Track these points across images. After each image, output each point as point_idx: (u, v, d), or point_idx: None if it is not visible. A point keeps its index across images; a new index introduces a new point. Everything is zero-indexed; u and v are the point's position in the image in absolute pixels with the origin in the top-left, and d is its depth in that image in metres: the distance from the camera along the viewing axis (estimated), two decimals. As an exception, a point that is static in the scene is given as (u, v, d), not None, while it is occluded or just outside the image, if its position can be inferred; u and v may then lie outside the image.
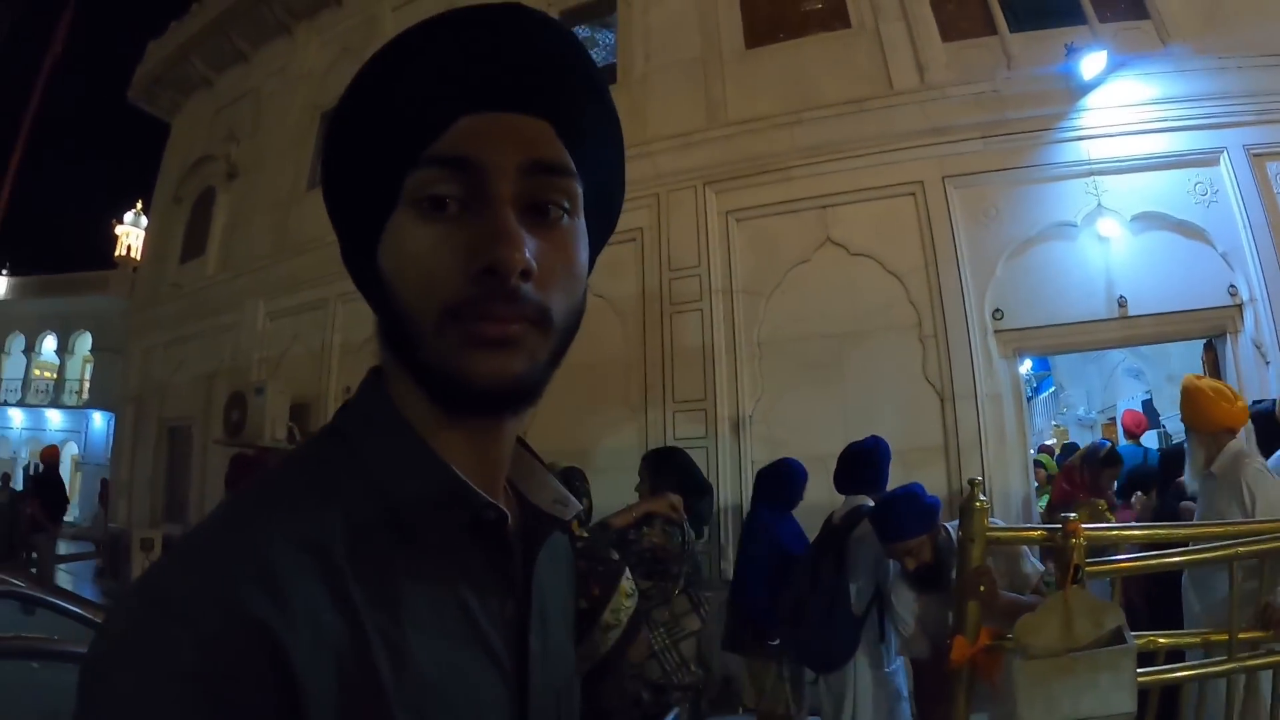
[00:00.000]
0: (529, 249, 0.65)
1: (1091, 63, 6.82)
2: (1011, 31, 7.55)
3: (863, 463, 4.62)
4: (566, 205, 0.70)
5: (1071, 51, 6.86)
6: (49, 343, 32.94)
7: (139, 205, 37.17)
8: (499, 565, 0.72)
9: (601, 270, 4.15)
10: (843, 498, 4.63)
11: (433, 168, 0.66)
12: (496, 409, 0.70)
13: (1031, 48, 7.35)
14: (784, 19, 8.64)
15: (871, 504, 4.23)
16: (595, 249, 0.78)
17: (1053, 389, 12.95)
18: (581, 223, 0.73)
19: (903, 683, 4.28)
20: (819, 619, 4.20)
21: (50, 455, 13.73)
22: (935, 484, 6.23)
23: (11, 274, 33.87)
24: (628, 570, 3.23)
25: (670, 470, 4.56)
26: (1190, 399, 4.21)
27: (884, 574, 3.99)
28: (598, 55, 10.40)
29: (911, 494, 3.84)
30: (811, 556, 4.43)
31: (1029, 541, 3.74)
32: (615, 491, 5.06)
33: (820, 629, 4.21)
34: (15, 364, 33.40)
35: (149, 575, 0.59)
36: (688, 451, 5.24)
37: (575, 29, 10.22)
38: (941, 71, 7.60)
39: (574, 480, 4.18)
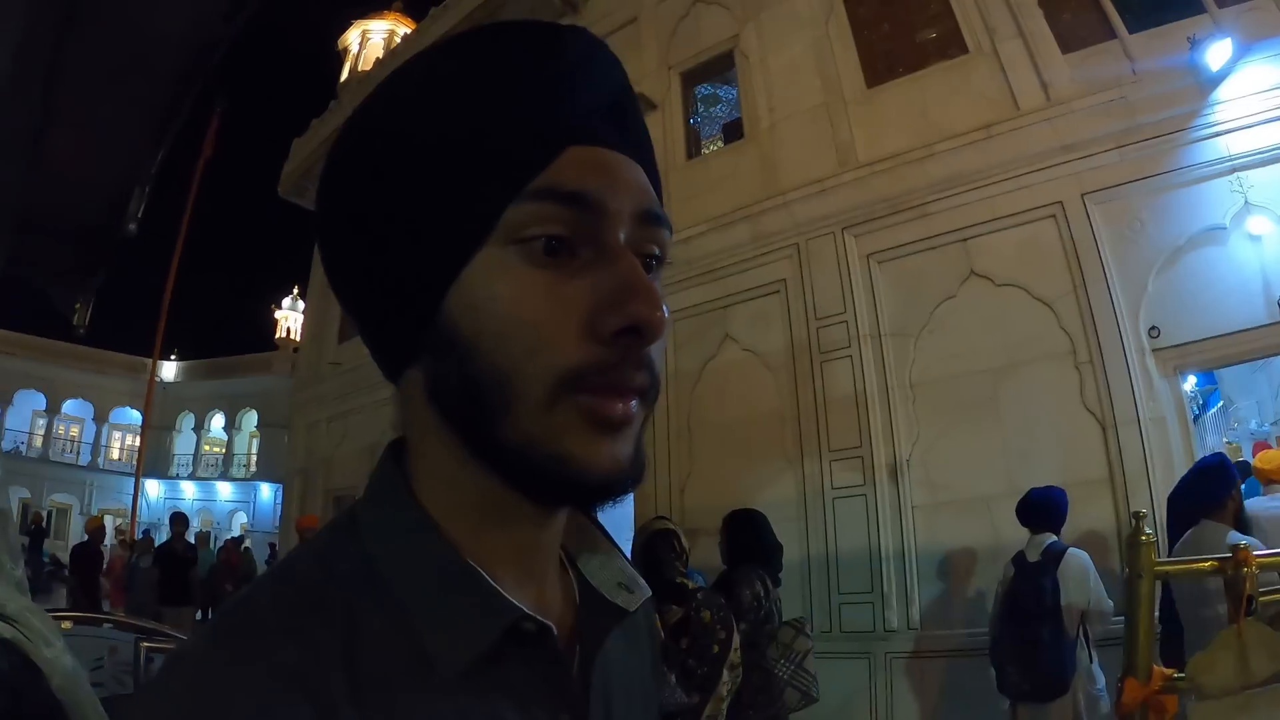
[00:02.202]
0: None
1: (1217, 52, 6.73)
2: (1131, 33, 7.51)
3: (1052, 506, 5.38)
4: (660, 258, 0.65)
5: (1195, 44, 6.80)
6: (217, 420, 36.43)
7: (295, 290, 39.96)
8: (547, 676, 0.63)
9: (748, 324, 4.96)
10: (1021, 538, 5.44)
11: (545, 202, 0.58)
12: (597, 501, 0.62)
13: (1153, 46, 7.30)
14: (901, 53, 8.98)
15: (1055, 539, 5.19)
16: None
17: (1221, 404, 12.44)
18: None
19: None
20: (1046, 647, 4.74)
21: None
22: (1103, 517, 6.47)
23: (180, 359, 37.14)
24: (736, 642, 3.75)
25: (752, 531, 5.15)
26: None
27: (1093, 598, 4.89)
28: (720, 112, 10.90)
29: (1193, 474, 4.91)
30: (1024, 592, 5.12)
31: (1199, 574, 3.81)
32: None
33: (1048, 656, 4.76)
34: (186, 440, 36.97)
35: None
36: (845, 500, 5.58)
37: (697, 87, 10.70)
38: (1066, 85, 7.66)
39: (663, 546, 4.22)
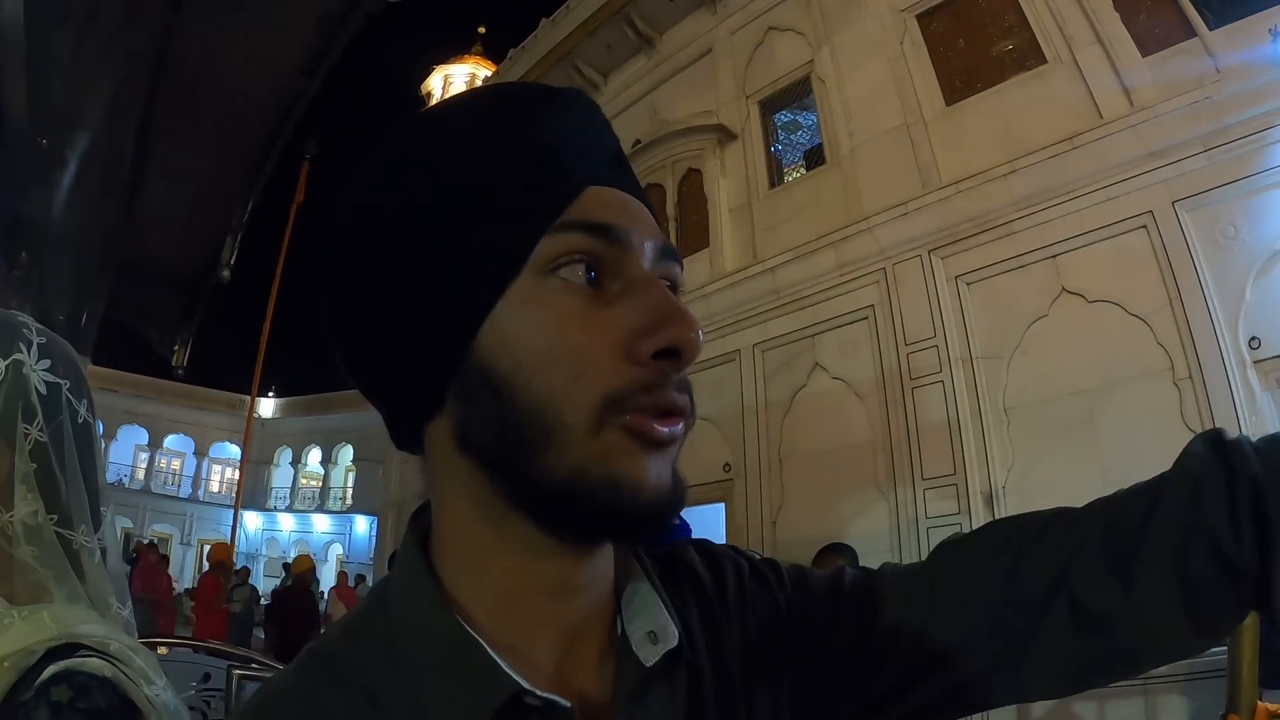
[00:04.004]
0: None
1: None
2: (1211, 29, 7.46)
3: None
4: (676, 290, 0.65)
5: (1277, 35, 6.77)
6: (314, 455, 37.81)
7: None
8: None
9: (837, 352, 5.25)
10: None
11: (577, 233, 0.59)
12: (645, 528, 0.60)
13: (1235, 41, 7.24)
14: (978, 68, 9.07)
15: None
16: None
17: None
18: None
19: None
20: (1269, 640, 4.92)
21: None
22: (1210, 545, 6.26)
23: (278, 395, 38.73)
24: None
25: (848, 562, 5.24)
26: None
27: None
28: (802, 138, 11.15)
29: None
30: None
31: None
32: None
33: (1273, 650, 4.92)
34: (284, 474, 38.45)
35: None
36: (939, 530, 5.63)
37: (776, 115, 10.86)
38: (1149, 89, 7.64)
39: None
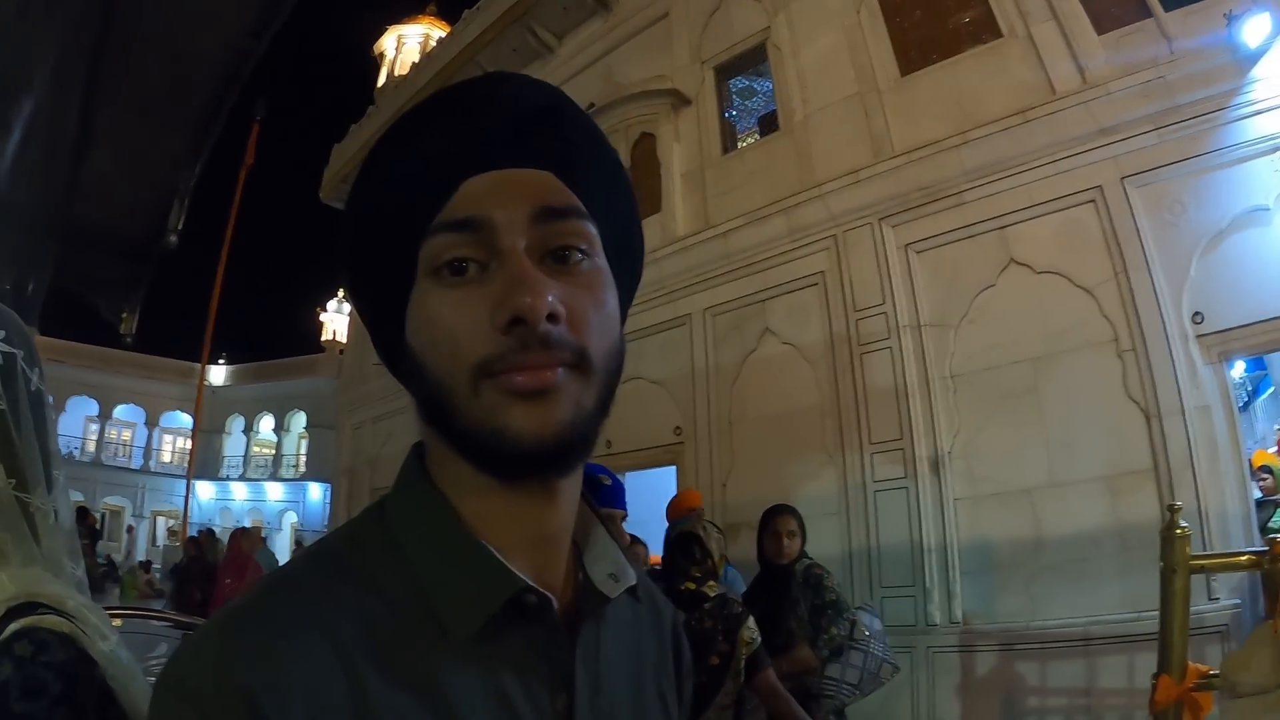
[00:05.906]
0: (553, 293, 0.67)
1: (1255, 28, 6.64)
2: (1167, 10, 7.44)
3: None
4: (584, 248, 0.72)
5: (1232, 20, 6.74)
6: (266, 422, 37.46)
7: (340, 294, 40.49)
8: (547, 652, 0.71)
9: (787, 317, 5.17)
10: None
11: (443, 233, 0.69)
12: (546, 466, 0.69)
13: (1190, 24, 7.23)
14: (934, 40, 9.04)
15: None
16: (625, 300, 0.80)
17: (1271, 390, 12.01)
18: (604, 264, 0.75)
19: None
20: None
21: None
22: (1148, 510, 6.40)
23: (229, 363, 38.32)
24: (750, 619, 3.79)
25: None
26: None
27: None
28: (757, 104, 11.03)
29: None
30: None
31: (1236, 568, 3.79)
32: (816, 539, 5.37)
33: None
34: (236, 443, 38.14)
35: (172, 658, 0.63)
36: (886, 493, 5.68)
37: (731, 81, 10.74)
38: (1102, 67, 7.64)
39: (691, 545, 4.18)
